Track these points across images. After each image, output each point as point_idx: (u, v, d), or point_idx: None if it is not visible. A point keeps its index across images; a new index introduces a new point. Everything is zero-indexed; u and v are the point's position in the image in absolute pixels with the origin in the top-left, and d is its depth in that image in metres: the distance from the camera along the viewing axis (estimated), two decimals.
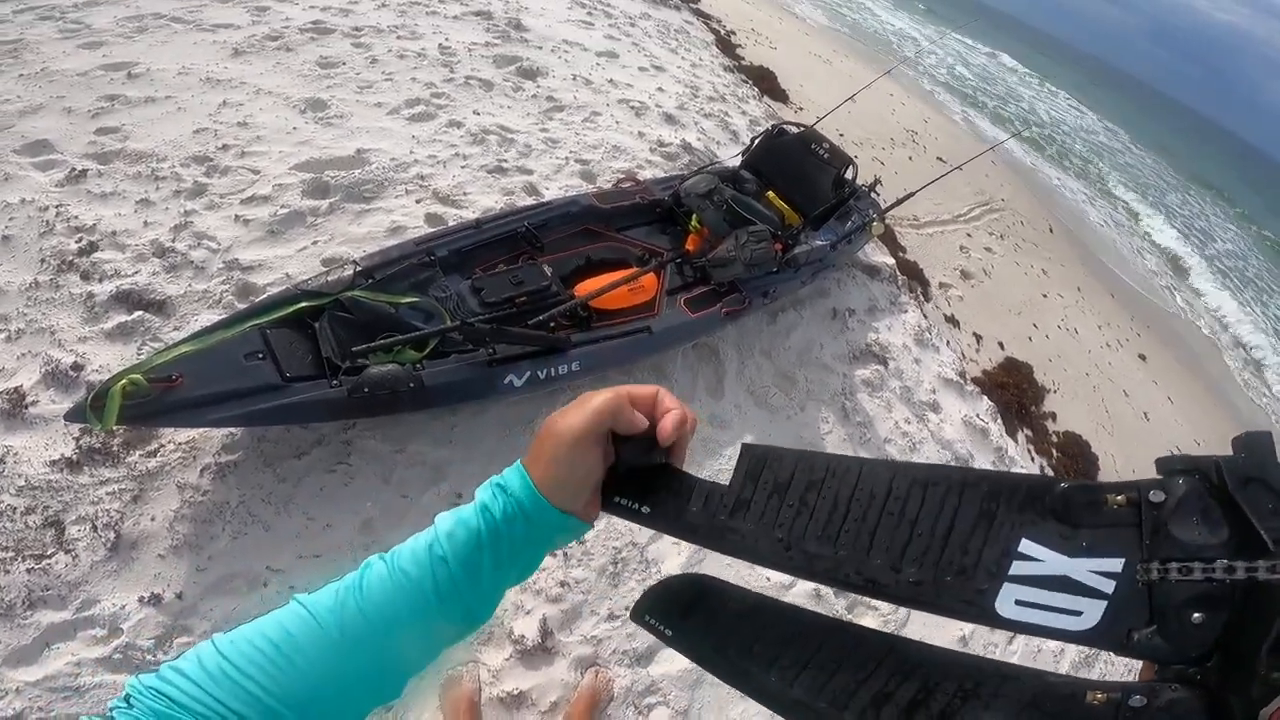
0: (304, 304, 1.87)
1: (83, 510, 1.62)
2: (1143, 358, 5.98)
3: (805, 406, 2.86)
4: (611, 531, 2.12)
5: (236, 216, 2.48)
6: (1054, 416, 4.31)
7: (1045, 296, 5.69)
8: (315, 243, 2.54)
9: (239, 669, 0.42)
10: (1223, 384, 6.97)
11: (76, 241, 2.18)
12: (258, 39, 3.57)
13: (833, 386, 3.01)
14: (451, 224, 2.59)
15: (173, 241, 2.30)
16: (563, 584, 1.96)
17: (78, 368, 1.86)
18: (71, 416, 1.47)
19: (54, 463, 1.66)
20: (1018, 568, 0.45)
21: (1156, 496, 0.43)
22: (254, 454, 1.84)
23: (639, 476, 0.55)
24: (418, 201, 2.87)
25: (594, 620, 1.94)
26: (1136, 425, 4.95)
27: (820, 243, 2.95)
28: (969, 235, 5.78)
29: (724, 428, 2.63)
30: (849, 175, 3.00)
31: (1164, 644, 0.43)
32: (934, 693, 0.45)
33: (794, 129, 3.19)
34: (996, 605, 0.45)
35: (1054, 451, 4.04)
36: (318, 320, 1.88)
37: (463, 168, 3.13)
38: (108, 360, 1.90)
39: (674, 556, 2.16)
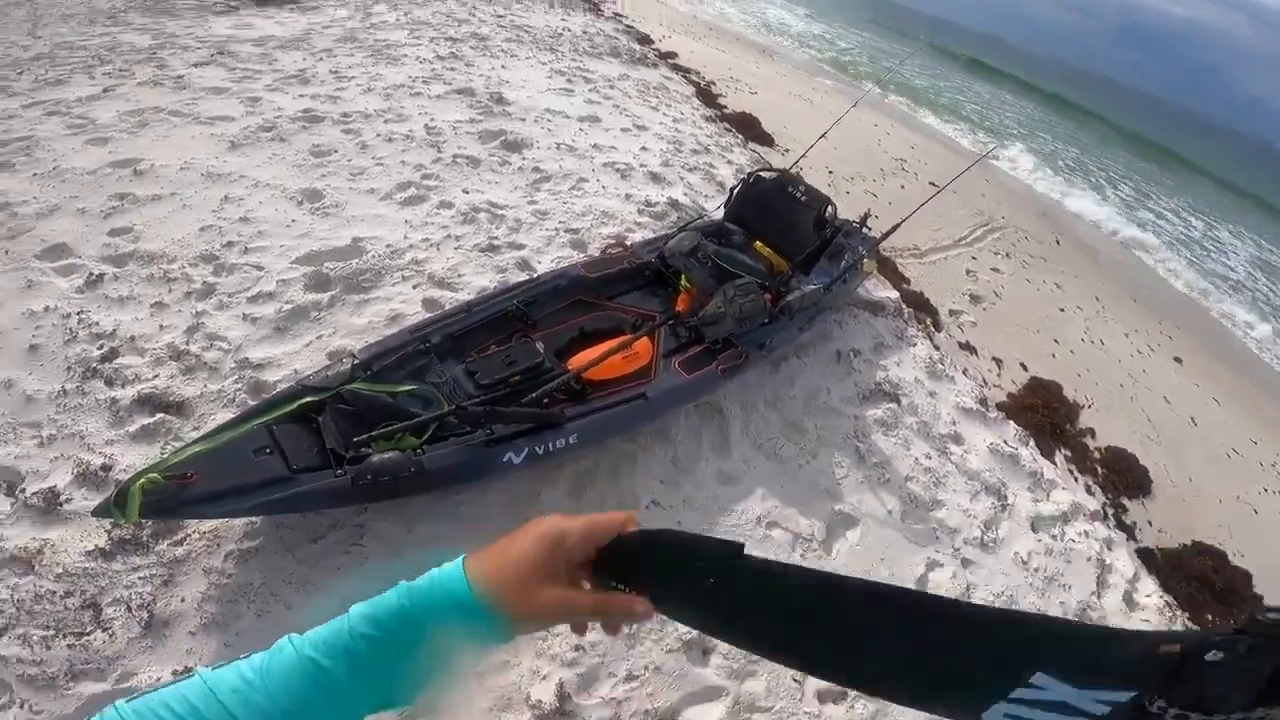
0: (307, 399, 1.94)
1: (117, 593, 1.73)
2: (1178, 360, 5.74)
3: (817, 454, 2.77)
4: None
5: (245, 315, 2.56)
6: (1092, 433, 4.12)
7: (1063, 311, 5.54)
8: (320, 337, 2.59)
9: None
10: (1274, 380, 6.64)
11: (99, 349, 2.29)
12: (252, 130, 3.73)
13: (844, 430, 2.92)
14: (447, 308, 2.63)
15: (187, 344, 2.38)
16: (577, 648, 1.91)
17: (106, 468, 1.97)
18: (98, 513, 1.60)
19: (89, 552, 1.77)
20: (1020, 693, 0.46)
21: (1214, 657, 0.44)
22: (273, 540, 1.91)
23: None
24: (414, 287, 2.92)
25: (612, 682, 1.89)
26: (1185, 431, 4.71)
27: (813, 286, 2.92)
28: (974, 258, 5.70)
29: (734, 484, 2.56)
30: (829, 214, 3.00)
31: None
32: None
33: (770, 174, 3.20)
34: (985, 715, 0.47)
35: (1098, 469, 3.86)
36: (320, 414, 1.94)
37: (456, 249, 3.20)
38: (134, 460, 1.99)
39: None
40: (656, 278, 2.94)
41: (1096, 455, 3.96)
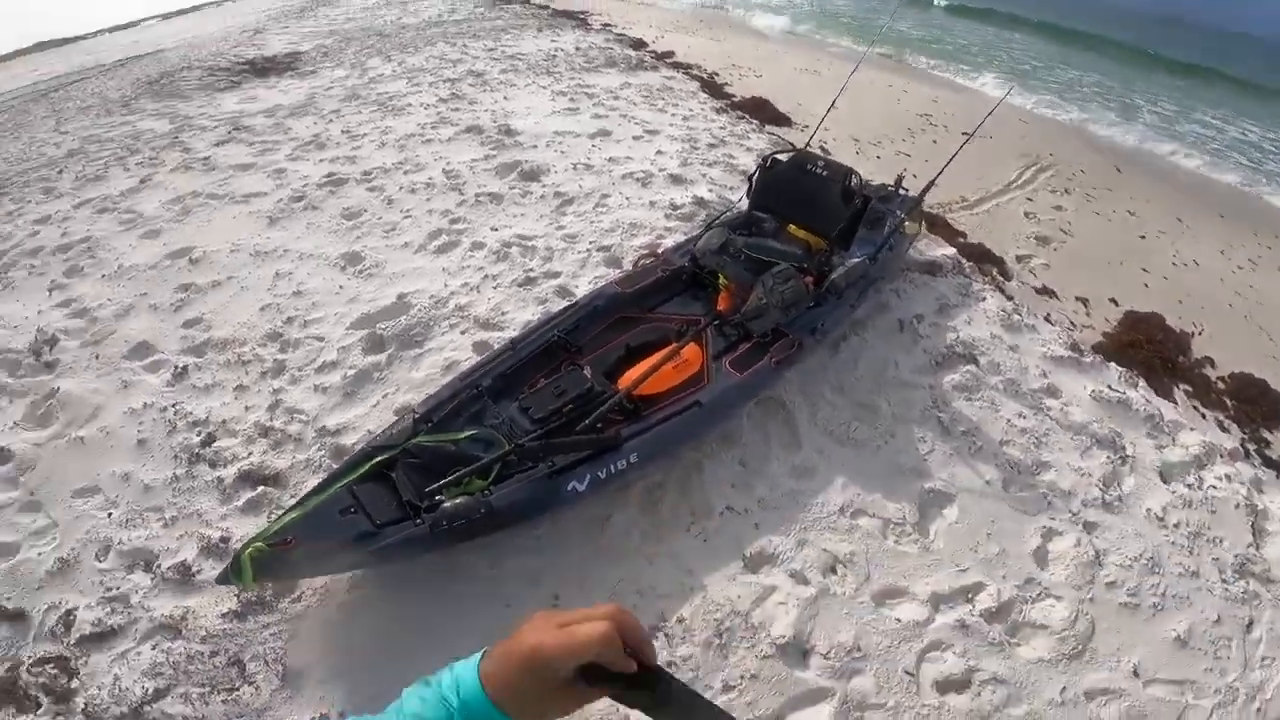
0: (379, 458, 2.02)
1: (255, 650, 1.89)
2: None
3: (895, 432, 2.60)
4: (710, 603, 2.02)
5: (315, 386, 2.67)
6: (1211, 361, 3.74)
7: (1144, 237, 5.08)
8: (385, 396, 2.66)
9: None
10: None
11: (197, 435, 2.48)
12: (285, 202, 3.91)
13: (920, 402, 2.73)
14: (495, 347, 2.63)
15: (271, 420, 2.53)
16: (670, 664, 1.85)
17: (225, 540, 2.14)
18: (220, 580, 1.76)
19: (224, 615, 1.95)
20: None
21: None
22: (376, 589, 2.03)
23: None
24: (462, 333, 2.95)
25: (709, 695, 1.80)
26: None
27: (856, 259, 2.77)
28: (1029, 199, 5.32)
29: (809, 477, 2.43)
30: (855, 183, 2.84)
31: None
32: None
33: (785, 155, 3.07)
34: None
35: (1226, 400, 3.48)
36: (393, 470, 2.02)
37: (495, 288, 3.22)
38: (247, 530, 2.13)
39: (781, 618, 1.99)
40: (693, 281, 2.87)
41: (1221, 386, 3.59)
